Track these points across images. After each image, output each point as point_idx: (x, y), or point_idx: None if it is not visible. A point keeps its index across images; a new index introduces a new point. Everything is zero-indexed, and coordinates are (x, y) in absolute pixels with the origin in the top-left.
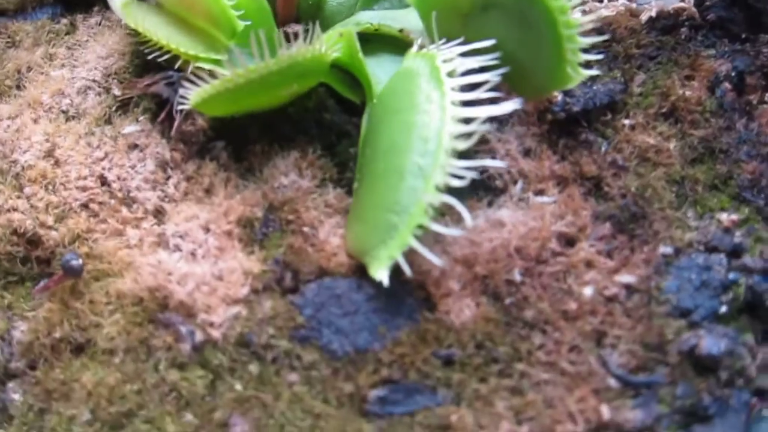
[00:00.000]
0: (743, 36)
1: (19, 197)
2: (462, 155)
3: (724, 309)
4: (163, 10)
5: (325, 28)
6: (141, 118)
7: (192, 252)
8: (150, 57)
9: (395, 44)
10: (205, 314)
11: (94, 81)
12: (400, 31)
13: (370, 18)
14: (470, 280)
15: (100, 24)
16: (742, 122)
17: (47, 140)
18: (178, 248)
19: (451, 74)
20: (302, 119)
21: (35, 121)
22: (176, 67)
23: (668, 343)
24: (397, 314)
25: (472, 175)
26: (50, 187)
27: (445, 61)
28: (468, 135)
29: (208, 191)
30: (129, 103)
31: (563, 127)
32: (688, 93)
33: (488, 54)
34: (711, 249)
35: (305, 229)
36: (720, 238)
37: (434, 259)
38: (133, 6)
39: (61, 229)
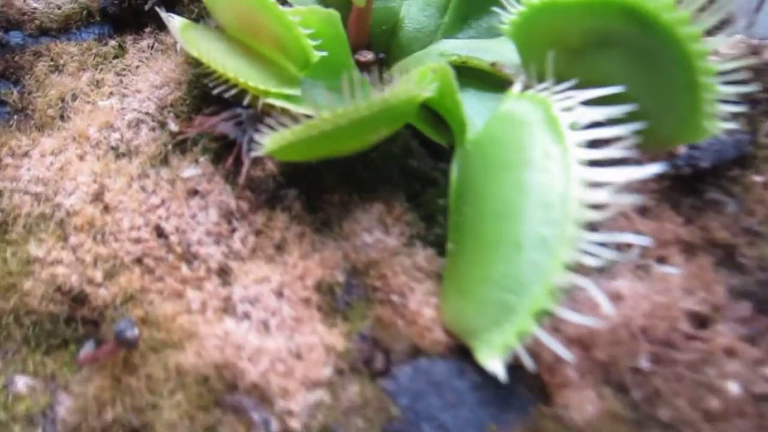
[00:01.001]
0: None
1: (63, 248)
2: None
3: None
4: (225, 36)
5: (400, 56)
6: (201, 159)
7: (264, 322)
8: (213, 90)
9: (484, 79)
10: (281, 399)
11: (147, 114)
12: (492, 64)
13: (455, 48)
14: (589, 367)
15: (152, 47)
16: None
17: (95, 181)
18: (247, 316)
19: (573, 126)
20: (385, 165)
21: (81, 158)
22: (245, 103)
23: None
24: (508, 408)
25: (608, 254)
26: (99, 237)
27: (564, 110)
28: (601, 205)
29: (280, 248)
30: (186, 141)
31: (686, 185)
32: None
33: (611, 104)
34: None
35: (394, 297)
36: None
37: (560, 350)
38: (193, 30)
39: (112, 288)
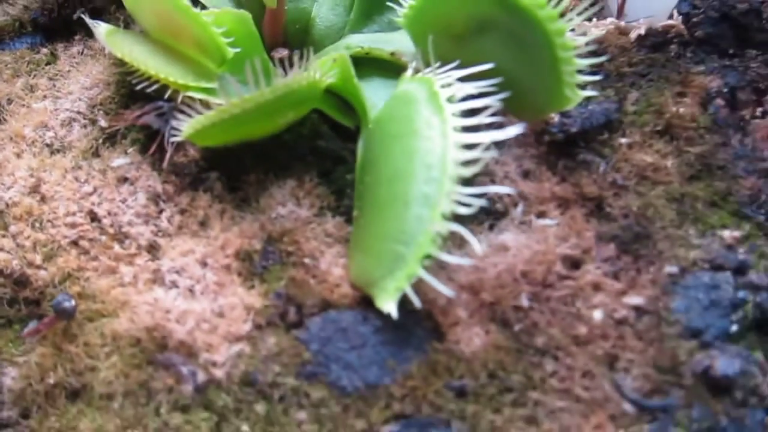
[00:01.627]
0: (731, 52)
1: (4, 236)
2: (465, 181)
3: (734, 328)
4: (148, 39)
5: (313, 51)
6: (130, 150)
7: (190, 288)
8: (137, 87)
9: (387, 67)
10: (206, 353)
11: (78, 113)
12: (392, 54)
13: (360, 41)
14: (477, 307)
15: (82, 53)
16: (737, 138)
17: (32, 175)
18: (174, 285)
19: (450, 99)
20: (297, 146)
21: (18, 155)
22: (166, 96)
23: (681, 365)
24: (406, 346)
25: (479, 202)
26: (37, 225)
27: (443, 86)
28: (472, 161)
29: (204, 224)
30: (116, 134)
31: (561, 148)
32: (681, 110)
33: (486, 78)
34: (716, 267)
35: (306, 260)
36: (724, 255)
37: (444, 289)
38: (118, 35)
39: (51, 269)
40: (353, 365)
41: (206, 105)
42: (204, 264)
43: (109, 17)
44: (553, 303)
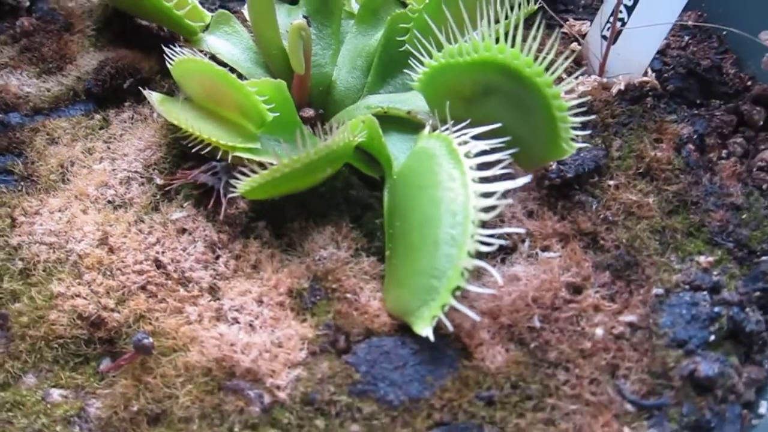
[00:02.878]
0: (698, 102)
1: (80, 284)
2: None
3: (713, 337)
4: (193, 105)
5: (335, 111)
6: (185, 204)
7: (250, 323)
8: (188, 148)
9: (403, 124)
10: (270, 378)
11: (135, 172)
12: (408, 112)
13: (378, 102)
14: (497, 329)
15: (132, 118)
16: (707, 177)
17: (98, 229)
18: (236, 321)
19: (467, 155)
20: (332, 196)
21: (84, 212)
22: (217, 156)
23: (671, 370)
24: (440, 364)
25: (498, 242)
26: (108, 273)
27: (460, 144)
28: (490, 208)
29: (256, 267)
30: (171, 191)
31: (559, 191)
32: (658, 154)
33: (496, 135)
34: (695, 288)
35: (348, 295)
36: (701, 277)
37: (471, 314)
38: (168, 102)
39: (123, 311)
40: (397, 382)
41: (258, 164)
42: (260, 302)
43: (155, 85)
44: (560, 323)
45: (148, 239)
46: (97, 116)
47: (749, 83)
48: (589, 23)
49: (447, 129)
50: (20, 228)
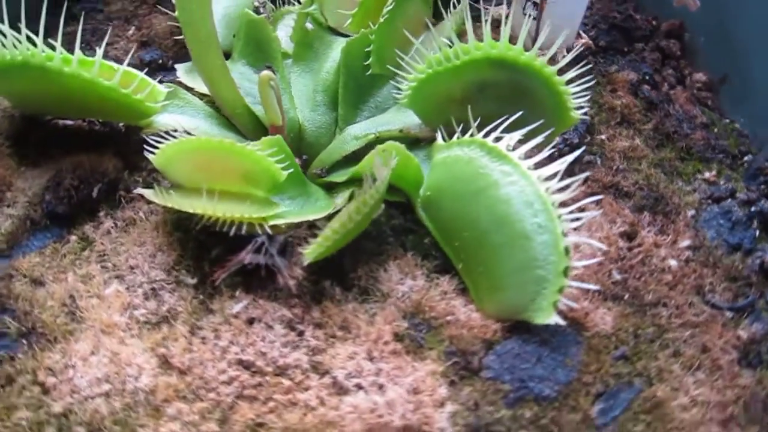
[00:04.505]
0: (626, 49)
1: (167, 421)
2: None
3: (757, 232)
4: (185, 190)
5: (315, 152)
6: (237, 293)
7: (375, 383)
8: (203, 236)
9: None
10: (426, 426)
11: (159, 281)
12: (401, 131)
13: (364, 129)
14: (590, 295)
15: (117, 227)
16: (672, 108)
17: (153, 355)
18: (360, 387)
19: (509, 148)
20: (379, 232)
21: (122, 342)
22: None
23: (743, 270)
24: (568, 344)
25: (585, 215)
26: (191, 397)
27: (496, 140)
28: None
29: (346, 327)
30: (208, 285)
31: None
32: (623, 101)
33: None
34: (716, 200)
35: (448, 318)
36: (715, 189)
37: (590, 287)
38: (165, 194)
39: (234, 427)
40: (543, 376)
41: (296, 226)
42: (372, 358)
43: (127, 184)
44: (636, 269)
45: (220, 344)
46: (73, 237)
47: (655, 23)
48: (506, 7)
49: (464, 135)
50: (57, 390)
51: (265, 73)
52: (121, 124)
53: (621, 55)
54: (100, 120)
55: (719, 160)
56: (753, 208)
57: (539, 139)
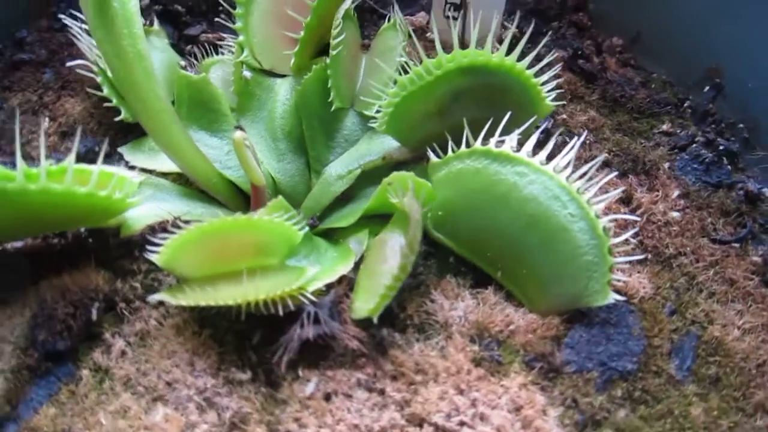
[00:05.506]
0: (546, 31)
1: None
2: None
3: (729, 167)
4: (199, 281)
5: (296, 202)
6: (300, 371)
7: (476, 415)
8: (239, 326)
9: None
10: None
11: (210, 387)
12: (383, 158)
13: (346, 166)
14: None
15: (131, 344)
16: (609, 74)
17: None
18: (463, 423)
19: (513, 149)
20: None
21: None
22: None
23: (732, 203)
24: (625, 316)
25: (610, 195)
26: None
27: (498, 143)
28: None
29: (421, 369)
30: (264, 374)
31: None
32: (565, 79)
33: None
34: (682, 148)
35: (510, 327)
36: (676, 139)
37: (636, 257)
38: (178, 294)
39: None
40: (620, 353)
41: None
42: (461, 392)
43: (123, 297)
44: (646, 228)
45: (309, 428)
46: (85, 372)
47: (559, 0)
48: (423, 14)
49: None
50: None
51: (239, 134)
52: (82, 229)
53: (543, 37)
54: (56, 232)
55: (667, 111)
56: (721, 147)
57: (538, 133)
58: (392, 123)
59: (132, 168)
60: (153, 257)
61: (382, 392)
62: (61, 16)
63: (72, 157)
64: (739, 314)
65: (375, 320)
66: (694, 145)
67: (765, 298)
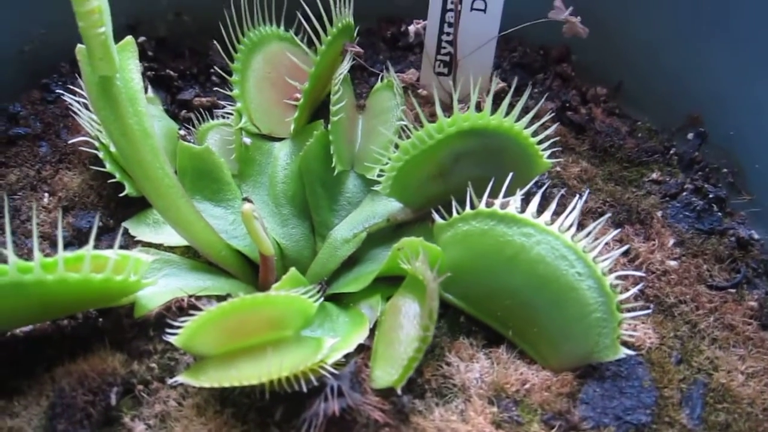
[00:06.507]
0: (532, 83)
1: None
2: None
3: (720, 213)
4: (217, 360)
5: (300, 269)
6: None
7: None
8: (254, 401)
9: (391, 233)
10: None
11: None
12: (387, 220)
13: (352, 230)
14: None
15: (150, 427)
16: (595, 126)
17: None
18: None
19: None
20: None
21: None
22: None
23: (724, 249)
24: (635, 368)
25: (616, 252)
26: None
27: (502, 207)
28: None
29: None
30: None
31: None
32: (560, 133)
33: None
34: (672, 196)
35: (525, 386)
36: (666, 187)
37: (645, 312)
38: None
39: None
40: (633, 406)
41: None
42: None
43: (141, 379)
44: (646, 279)
45: None
46: None
47: (542, 52)
48: (413, 70)
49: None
50: None
51: (248, 206)
52: (91, 311)
53: (531, 89)
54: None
55: (655, 159)
56: (710, 194)
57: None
58: (395, 186)
59: (137, 242)
60: (172, 339)
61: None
62: (58, 91)
63: (90, 246)
64: (742, 359)
65: (399, 391)
66: (684, 193)
67: (764, 341)
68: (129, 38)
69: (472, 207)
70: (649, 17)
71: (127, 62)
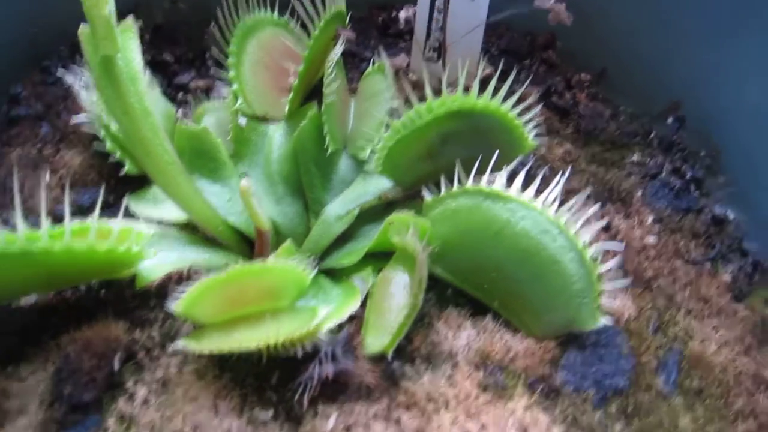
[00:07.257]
0: (520, 68)
1: None
2: None
3: (696, 193)
4: (216, 327)
5: (298, 243)
6: (320, 408)
7: None
8: (252, 366)
9: (383, 209)
10: None
11: (233, 428)
12: (379, 198)
13: (345, 207)
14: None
15: (153, 392)
16: (578, 110)
17: None
18: None
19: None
20: None
21: None
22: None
23: (701, 226)
24: (614, 337)
25: (598, 225)
26: None
27: (489, 182)
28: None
29: (433, 399)
30: (284, 412)
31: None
32: (545, 117)
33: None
34: (652, 176)
35: (510, 354)
36: (646, 167)
37: (624, 282)
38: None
39: None
40: (612, 371)
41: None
42: (471, 416)
43: (145, 342)
44: (626, 254)
45: None
46: (111, 420)
47: (529, 39)
48: (403, 56)
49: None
50: None
51: (245, 183)
52: (93, 282)
53: (517, 74)
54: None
55: (636, 142)
56: (687, 175)
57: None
58: (386, 164)
59: (137, 217)
60: (173, 307)
61: (398, 422)
62: (59, 73)
63: (95, 215)
64: (715, 329)
65: (389, 357)
66: (663, 174)
67: (736, 313)
68: (129, 20)
69: (460, 184)
70: (632, 7)
71: (128, 43)
